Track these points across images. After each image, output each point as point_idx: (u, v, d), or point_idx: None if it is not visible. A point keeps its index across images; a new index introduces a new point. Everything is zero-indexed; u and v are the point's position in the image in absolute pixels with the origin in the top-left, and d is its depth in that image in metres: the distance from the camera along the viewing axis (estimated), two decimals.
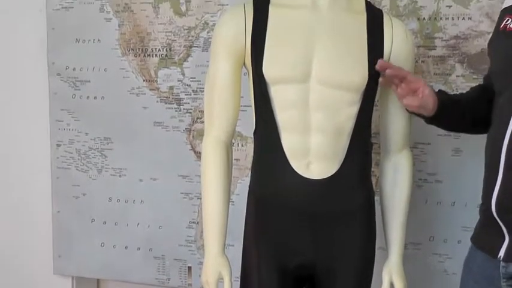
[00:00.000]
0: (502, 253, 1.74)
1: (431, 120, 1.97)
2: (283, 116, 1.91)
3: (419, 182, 2.54)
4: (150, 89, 2.85)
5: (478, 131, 1.94)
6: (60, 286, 3.15)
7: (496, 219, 1.75)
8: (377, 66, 1.86)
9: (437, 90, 2.02)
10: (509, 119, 1.70)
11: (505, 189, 1.72)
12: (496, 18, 1.92)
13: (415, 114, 1.98)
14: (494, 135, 1.78)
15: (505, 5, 1.87)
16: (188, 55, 2.79)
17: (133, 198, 2.95)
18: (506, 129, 1.71)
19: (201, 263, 2.11)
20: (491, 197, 1.75)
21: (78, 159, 3.00)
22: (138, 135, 2.90)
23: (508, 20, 1.79)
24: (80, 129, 2.99)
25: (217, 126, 1.99)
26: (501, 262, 1.74)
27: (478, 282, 1.83)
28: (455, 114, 1.97)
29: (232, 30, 1.95)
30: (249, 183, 2.05)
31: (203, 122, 2.07)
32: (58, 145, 3.03)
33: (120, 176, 2.95)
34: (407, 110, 1.97)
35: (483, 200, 1.82)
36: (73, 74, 2.96)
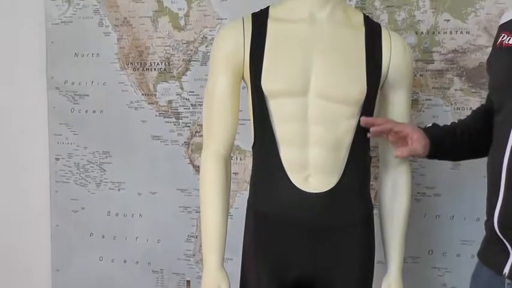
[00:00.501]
0: (506, 270, 1.73)
1: (428, 158, 2.00)
2: (281, 129, 1.91)
3: (418, 196, 2.54)
4: (149, 103, 2.86)
5: (481, 156, 1.94)
6: None
7: (499, 236, 1.74)
8: (361, 123, 1.91)
9: (430, 124, 2.03)
10: (508, 136, 1.71)
11: (507, 207, 1.72)
12: (494, 32, 1.93)
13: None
14: (494, 153, 1.78)
15: (501, 21, 1.88)
16: (187, 69, 2.80)
17: (132, 212, 2.94)
18: (506, 146, 1.71)
19: (200, 277, 2.10)
20: (494, 214, 1.75)
21: (77, 173, 3.00)
22: (137, 149, 2.90)
23: (504, 36, 1.80)
24: (78, 143, 2.98)
25: (216, 139, 1.99)
26: (506, 279, 1.74)
27: None
28: (452, 148, 1.99)
29: (231, 44, 1.95)
30: (247, 197, 2.05)
31: (202, 135, 2.07)
32: (57, 159, 3.02)
33: (119, 189, 2.95)
34: None
35: (487, 216, 1.82)
36: (72, 87, 2.96)
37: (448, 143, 1.97)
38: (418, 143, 1.91)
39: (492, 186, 1.78)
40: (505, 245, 1.73)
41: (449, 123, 2.07)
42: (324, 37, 1.92)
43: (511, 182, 1.70)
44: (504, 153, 1.71)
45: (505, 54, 1.78)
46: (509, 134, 1.70)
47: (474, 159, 2.05)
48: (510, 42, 1.77)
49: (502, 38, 1.80)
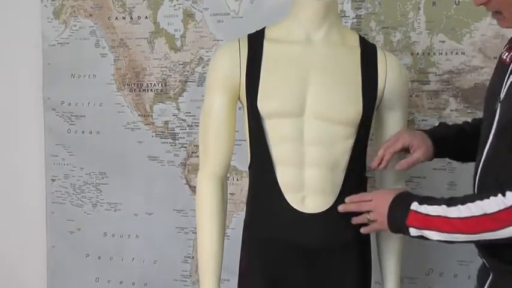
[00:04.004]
0: None
1: (437, 157, 1.96)
2: (278, 150, 1.91)
3: None
4: (145, 124, 2.86)
5: None
6: None
7: (479, 254, 1.75)
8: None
9: (437, 124, 2.01)
10: (482, 153, 1.70)
11: None
12: (489, 53, 1.92)
13: None
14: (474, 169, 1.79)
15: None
16: (183, 90, 2.80)
17: (128, 233, 2.93)
18: (480, 163, 1.71)
19: None
20: None
21: (73, 193, 3.00)
22: (133, 169, 2.90)
23: (506, 46, 1.76)
24: (75, 163, 2.99)
25: (212, 160, 1.99)
26: None
27: None
28: (459, 143, 1.94)
29: (227, 65, 1.95)
30: (244, 218, 2.05)
31: (198, 156, 2.07)
32: (53, 180, 3.02)
33: (115, 210, 2.94)
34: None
35: None
36: (68, 108, 2.96)
37: (453, 138, 1.93)
38: (420, 149, 1.88)
39: None
40: (485, 264, 1.73)
41: None
42: (320, 58, 1.93)
43: None
44: (477, 170, 1.72)
45: (497, 67, 1.77)
46: (483, 150, 1.70)
47: None
48: (504, 57, 1.73)
49: (503, 49, 1.76)
